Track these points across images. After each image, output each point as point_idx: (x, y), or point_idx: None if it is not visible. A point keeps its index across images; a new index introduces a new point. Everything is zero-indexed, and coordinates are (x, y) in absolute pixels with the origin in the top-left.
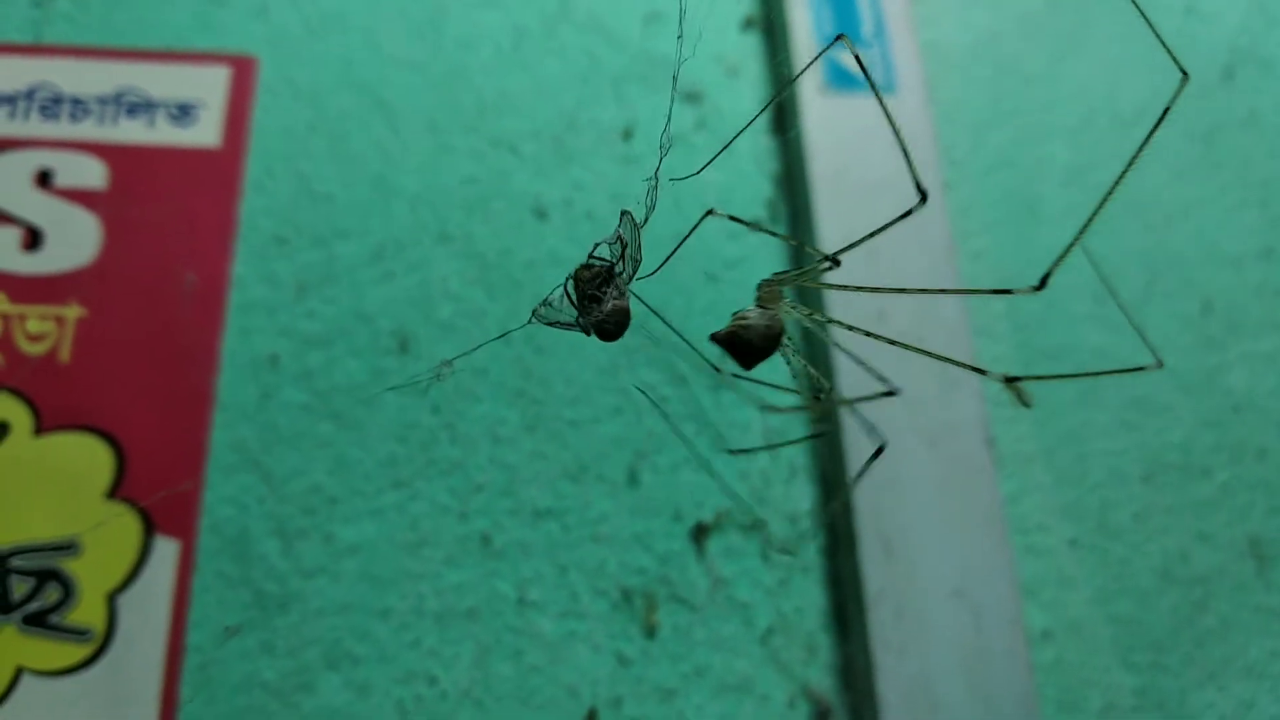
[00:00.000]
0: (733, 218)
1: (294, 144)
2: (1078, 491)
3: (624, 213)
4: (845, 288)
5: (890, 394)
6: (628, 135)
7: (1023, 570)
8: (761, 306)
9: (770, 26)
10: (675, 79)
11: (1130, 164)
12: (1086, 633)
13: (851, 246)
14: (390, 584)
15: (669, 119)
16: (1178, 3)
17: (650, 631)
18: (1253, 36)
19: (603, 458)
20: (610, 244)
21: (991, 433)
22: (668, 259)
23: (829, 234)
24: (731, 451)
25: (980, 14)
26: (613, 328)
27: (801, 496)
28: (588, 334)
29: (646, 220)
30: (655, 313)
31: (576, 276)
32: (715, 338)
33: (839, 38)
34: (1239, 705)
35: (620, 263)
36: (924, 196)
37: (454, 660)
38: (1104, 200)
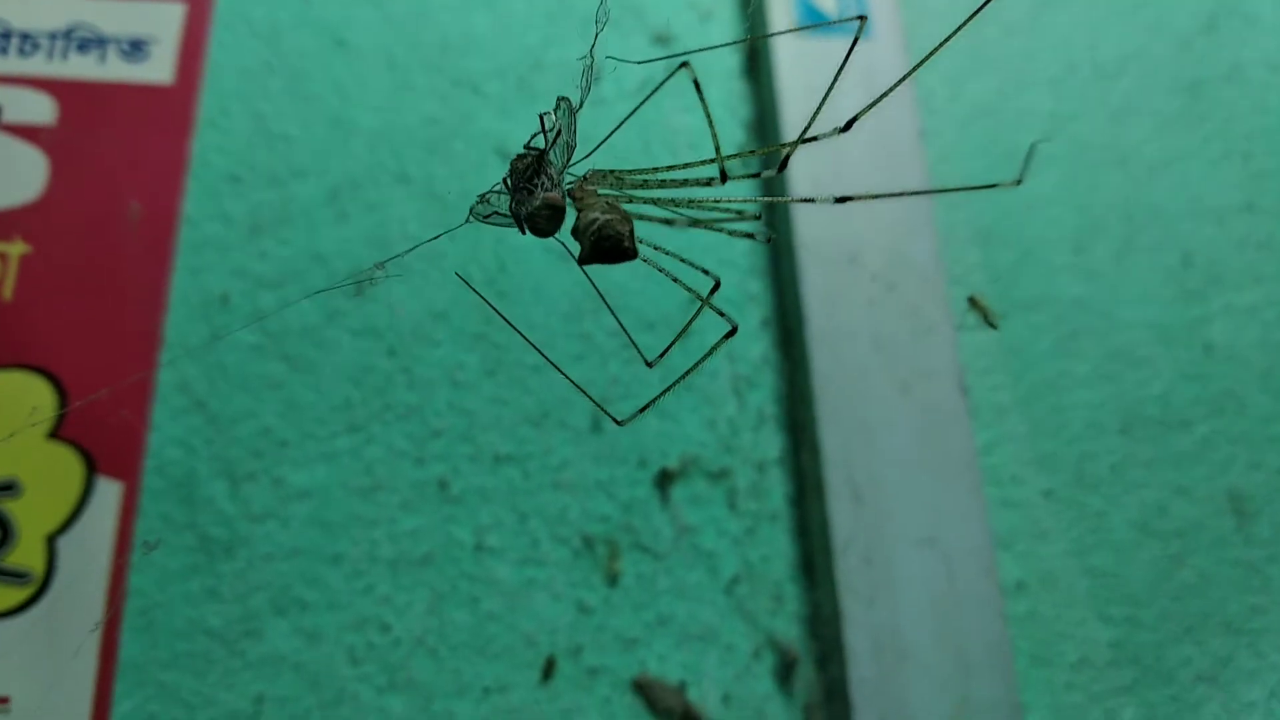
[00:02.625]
0: (697, 83)
1: (250, 82)
2: (1054, 443)
3: (560, 99)
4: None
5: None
6: (595, 77)
7: (997, 522)
8: (580, 200)
9: None
10: None
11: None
12: (1062, 585)
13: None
14: (342, 529)
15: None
16: None
17: (612, 580)
18: None
19: (565, 404)
20: (546, 132)
21: (966, 382)
22: (628, 117)
23: (800, 175)
24: (649, 363)
25: None
26: (544, 222)
27: (770, 444)
28: (523, 231)
29: (581, 105)
30: (604, 300)
31: (513, 167)
32: (591, 259)
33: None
34: (1216, 661)
35: (551, 151)
36: None
37: (407, 608)
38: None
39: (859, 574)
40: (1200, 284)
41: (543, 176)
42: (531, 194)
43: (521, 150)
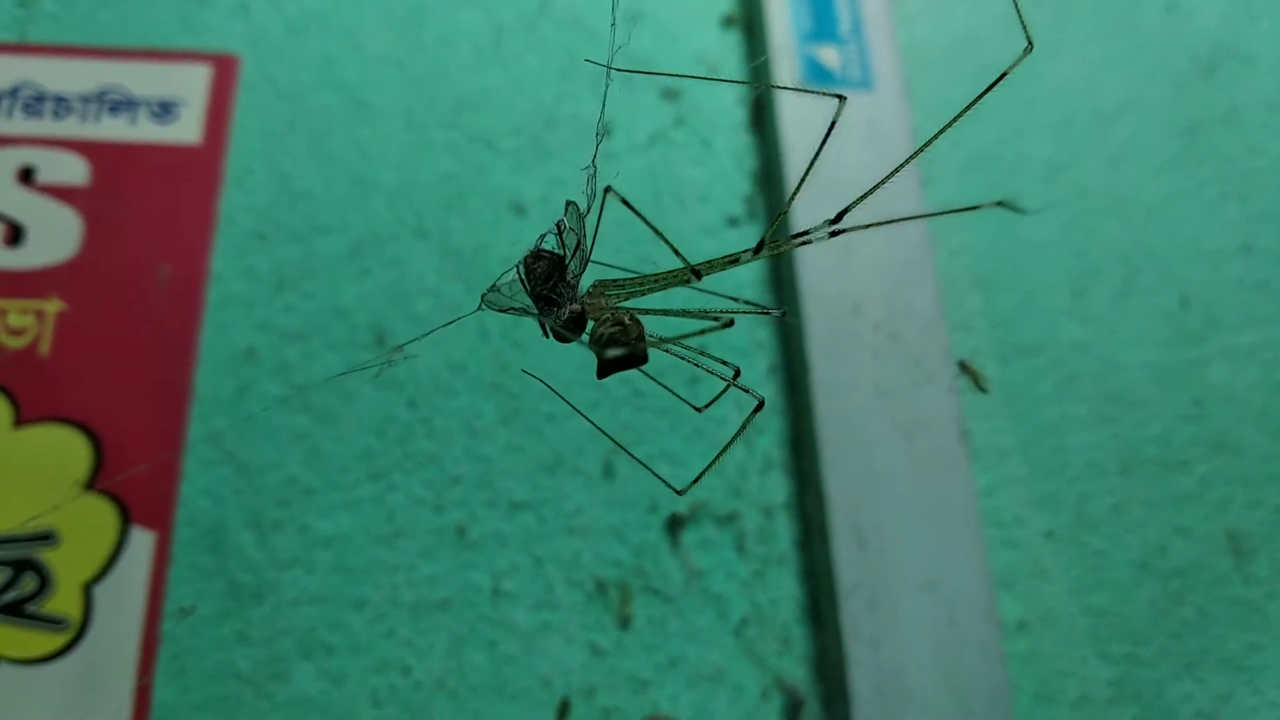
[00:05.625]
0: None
1: (274, 141)
2: (1055, 484)
3: (569, 203)
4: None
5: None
6: (607, 132)
7: (999, 562)
8: (591, 312)
9: (749, 25)
10: (609, 74)
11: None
12: (1062, 624)
13: (710, 269)
14: (365, 575)
15: (603, 107)
16: None
17: (624, 622)
18: (1234, 32)
19: (579, 451)
20: (556, 234)
21: (966, 426)
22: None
23: (801, 223)
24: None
25: (960, 12)
26: (569, 332)
27: (776, 489)
28: (546, 335)
29: (589, 210)
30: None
31: (528, 267)
32: (606, 371)
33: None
34: (1216, 698)
35: (570, 258)
36: (1030, 45)
37: (428, 650)
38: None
39: (863, 618)
40: (1198, 326)
41: (563, 286)
42: (554, 304)
43: (534, 249)
